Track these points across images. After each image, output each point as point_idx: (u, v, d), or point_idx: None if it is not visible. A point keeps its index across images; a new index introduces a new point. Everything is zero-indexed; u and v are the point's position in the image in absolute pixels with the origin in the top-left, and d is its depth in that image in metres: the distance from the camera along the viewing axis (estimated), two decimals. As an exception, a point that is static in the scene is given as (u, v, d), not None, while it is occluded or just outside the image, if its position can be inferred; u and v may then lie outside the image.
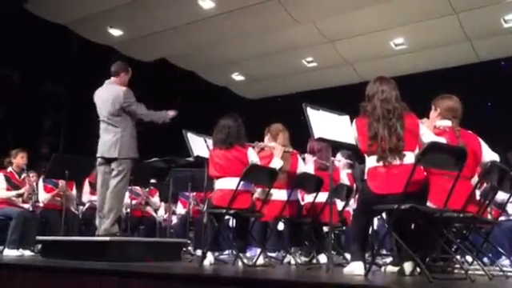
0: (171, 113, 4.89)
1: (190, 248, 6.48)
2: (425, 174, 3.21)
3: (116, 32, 9.31)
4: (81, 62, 9.53)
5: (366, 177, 3.26)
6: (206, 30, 8.99)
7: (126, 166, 4.61)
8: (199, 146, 4.90)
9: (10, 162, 6.02)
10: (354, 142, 3.52)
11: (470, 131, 3.62)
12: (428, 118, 3.68)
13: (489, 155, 3.56)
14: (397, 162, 3.10)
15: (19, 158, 5.98)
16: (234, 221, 4.68)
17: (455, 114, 3.60)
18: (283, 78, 11.00)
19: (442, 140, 3.28)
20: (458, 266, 3.43)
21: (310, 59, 10.26)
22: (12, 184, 5.87)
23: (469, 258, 4.22)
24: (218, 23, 8.77)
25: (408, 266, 3.14)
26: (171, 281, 2.90)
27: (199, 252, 5.82)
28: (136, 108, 4.68)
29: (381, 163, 3.12)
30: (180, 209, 7.59)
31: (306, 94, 10.91)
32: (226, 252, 6.29)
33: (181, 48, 9.72)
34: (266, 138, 4.90)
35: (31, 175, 6.24)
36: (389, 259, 4.42)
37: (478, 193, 3.79)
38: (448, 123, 3.56)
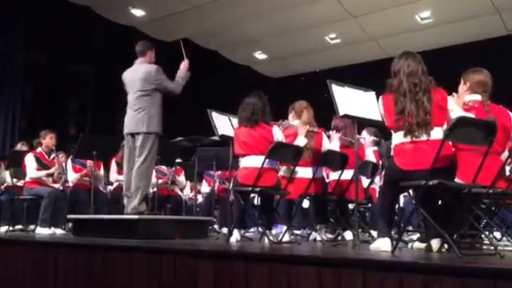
0: (183, 66, 4.91)
1: (215, 226, 6.58)
2: (453, 149, 3.16)
3: (138, 12, 9.33)
4: (105, 42, 9.59)
5: (392, 153, 3.23)
6: (228, 8, 8.94)
7: (150, 143, 4.66)
8: (224, 124, 4.92)
9: (40, 142, 6.16)
10: (380, 119, 3.49)
11: (500, 105, 3.54)
12: (457, 92, 3.62)
13: (519, 130, 3.48)
14: (424, 137, 3.05)
15: (48, 139, 6.10)
16: (259, 199, 4.71)
17: (485, 88, 3.52)
18: (306, 55, 10.90)
19: (471, 116, 3.21)
20: (486, 242, 3.40)
21: (333, 36, 10.12)
22: (42, 164, 6.01)
23: (497, 235, 4.19)
24: (239, 1, 8.71)
25: (435, 243, 3.13)
26: (199, 257, 2.95)
27: (225, 230, 5.90)
28: (167, 84, 4.76)
29: (408, 138, 3.08)
30: (205, 187, 7.68)
31: (330, 71, 10.80)
32: (252, 229, 6.35)
33: (203, 27, 9.69)
34: (291, 116, 4.88)
35: (60, 155, 6.38)
36: (415, 236, 4.41)
37: (507, 168, 3.73)
38: (478, 97, 3.49)
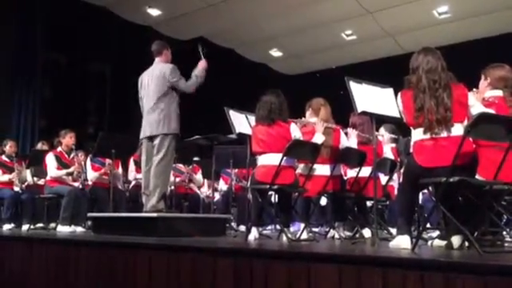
0: (201, 66, 4.89)
1: (232, 224, 6.60)
2: (474, 146, 3.12)
3: (154, 12, 9.39)
4: (122, 42, 9.68)
5: (411, 150, 3.21)
6: (243, 6, 8.95)
7: (168, 142, 4.70)
8: (241, 122, 4.92)
9: (60, 142, 6.25)
10: (398, 115, 3.46)
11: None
12: (477, 88, 3.58)
13: (542, 125, 3.42)
14: (444, 134, 3.02)
15: (68, 138, 6.19)
16: (277, 196, 4.71)
17: (507, 83, 3.47)
18: (322, 52, 10.86)
19: (491, 112, 3.17)
20: (508, 239, 3.36)
21: (349, 32, 10.07)
22: (62, 163, 6.10)
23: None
24: (255, -1, 8.72)
25: (456, 240, 3.09)
26: (218, 255, 2.96)
27: (242, 227, 5.92)
28: (180, 83, 4.77)
29: (428, 135, 3.06)
30: (222, 185, 7.71)
31: (346, 68, 10.75)
32: (269, 227, 6.36)
33: (219, 25, 9.72)
34: (308, 113, 4.87)
35: (79, 154, 6.46)
36: (434, 234, 4.37)
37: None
38: (499, 93, 3.45)
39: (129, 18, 9.61)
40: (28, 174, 6.72)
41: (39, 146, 7.18)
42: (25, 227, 6.18)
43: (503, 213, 3.46)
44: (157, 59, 4.94)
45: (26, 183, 6.87)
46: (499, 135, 2.93)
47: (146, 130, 4.79)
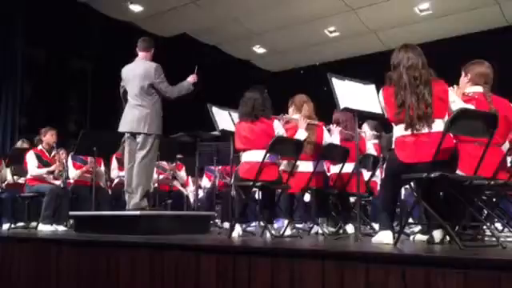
0: (191, 79, 4.89)
1: (217, 221, 6.59)
2: (454, 141, 3.16)
3: (136, 8, 9.29)
4: (103, 39, 9.56)
5: (393, 146, 3.23)
6: (226, 2, 8.90)
7: (151, 141, 4.66)
8: (224, 119, 4.91)
9: (40, 139, 6.16)
10: (380, 111, 3.49)
11: (501, 98, 3.54)
12: (457, 84, 3.61)
13: (520, 121, 3.48)
14: (425, 129, 3.05)
15: (49, 136, 6.10)
16: (261, 193, 4.71)
17: (486, 79, 3.52)
18: (305, 49, 10.86)
19: (471, 107, 3.21)
20: (488, 233, 3.41)
21: (332, 29, 10.08)
22: (43, 161, 6.02)
23: (498, 226, 4.20)
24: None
25: (437, 234, 3.14)
26: (202, 252, 2.95)
27: (226, 224, 5.91)
28: (163, 86, 4.71)
29: (409, 131, 3.08)
30: (206, 182, 7.69)
31: (329, 64, 10.80)
32: (253, 224, 6.36)
33: (202, 22, 9.65)
34: (291, 110, 4.88)
35: (61, 152, 6.37)
36: (416, 228, 4.42)
37: (509, 159, 3.73)
38: (479, 89, 3.49)
39: (110, 14, 9.49)
40: (8, 173, 6.62)
41: (19, 144, 7.05)
42: (5, 226, 6.09)
43: (483, 207, 3.51)
44: (141, 55, 4.85)
45: (6, 182, 6.76)
46: (479, 131, 2.97)
47: (125, 125, 4.71)
